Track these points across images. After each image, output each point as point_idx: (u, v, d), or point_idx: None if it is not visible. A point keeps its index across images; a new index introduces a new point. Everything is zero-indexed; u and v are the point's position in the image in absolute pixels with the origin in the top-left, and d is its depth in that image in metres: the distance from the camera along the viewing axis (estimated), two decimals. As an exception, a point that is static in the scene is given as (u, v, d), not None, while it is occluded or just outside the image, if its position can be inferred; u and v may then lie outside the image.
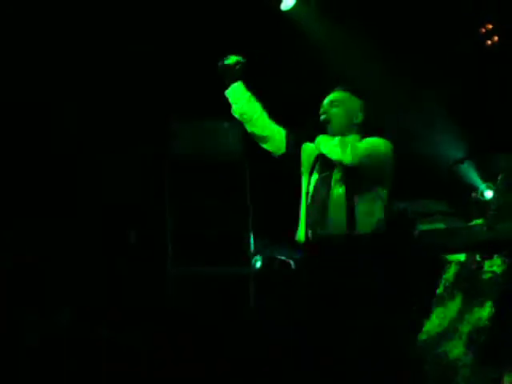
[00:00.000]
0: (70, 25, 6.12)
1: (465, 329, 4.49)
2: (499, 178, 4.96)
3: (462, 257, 5.01)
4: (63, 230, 6.15)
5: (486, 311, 4.47)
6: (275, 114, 4.16)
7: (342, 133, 3.98)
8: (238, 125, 6.33)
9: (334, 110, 4.04)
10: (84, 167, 6.40)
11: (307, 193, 4.02)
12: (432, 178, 6.24)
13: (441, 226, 5.27)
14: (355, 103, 4.06)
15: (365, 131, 4.06)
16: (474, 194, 6.10)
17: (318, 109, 4.08)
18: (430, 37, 6.54)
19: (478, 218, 5.13)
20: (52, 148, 6.31)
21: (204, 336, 5.85)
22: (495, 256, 4.66)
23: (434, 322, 4.63)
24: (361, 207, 3.87)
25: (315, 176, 4.02)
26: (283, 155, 4.16)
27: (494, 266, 4.60)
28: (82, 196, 6.31)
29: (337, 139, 3.91)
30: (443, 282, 4.75)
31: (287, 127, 4.17)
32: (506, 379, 4.21)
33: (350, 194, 3.88)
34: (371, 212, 3.88)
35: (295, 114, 3.95)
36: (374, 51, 6.43)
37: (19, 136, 6.16)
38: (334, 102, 4.06)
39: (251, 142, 5.37)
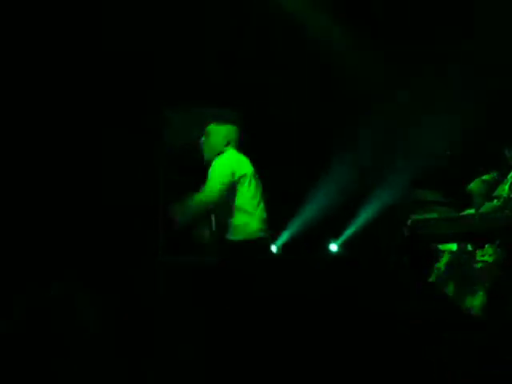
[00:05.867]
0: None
1: (456, 318, 4.46)
2: None
3: (454, 246, 4.98)
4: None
5: (477, 300, 4.44)
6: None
7: (212, 159, 4.72)
8: (230, 111, 6.34)
9: (205, 142, 4.82)
10: (80, 157, 6.36)
11: None
12: (428, 167, 6.18)
13: (433, 215, 5.22)
14: (219, 132, 4.81)
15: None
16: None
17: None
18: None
19: (470, 207, 5.09)
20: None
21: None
22: (487, 245, 4.62)
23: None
24: None
25: None
26: None
27: (486, 255, 4.56)
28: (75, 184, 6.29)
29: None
30: (435, 271, 4.72)
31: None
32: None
33: None
34: None
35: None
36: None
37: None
38: (205, 135, 4.83)
39: (244, 128, 5.36)
